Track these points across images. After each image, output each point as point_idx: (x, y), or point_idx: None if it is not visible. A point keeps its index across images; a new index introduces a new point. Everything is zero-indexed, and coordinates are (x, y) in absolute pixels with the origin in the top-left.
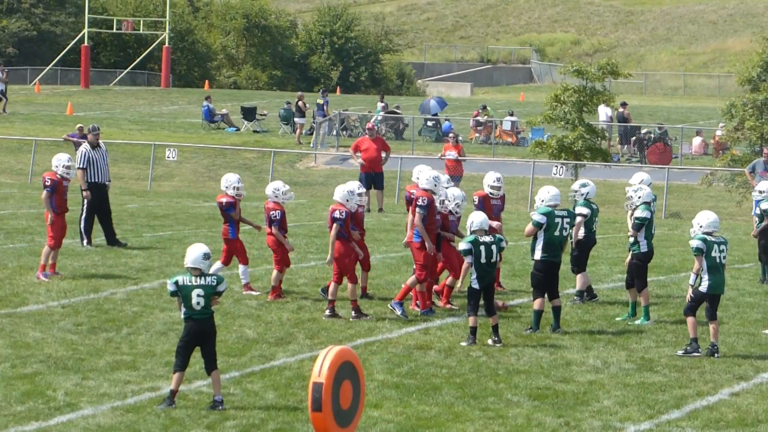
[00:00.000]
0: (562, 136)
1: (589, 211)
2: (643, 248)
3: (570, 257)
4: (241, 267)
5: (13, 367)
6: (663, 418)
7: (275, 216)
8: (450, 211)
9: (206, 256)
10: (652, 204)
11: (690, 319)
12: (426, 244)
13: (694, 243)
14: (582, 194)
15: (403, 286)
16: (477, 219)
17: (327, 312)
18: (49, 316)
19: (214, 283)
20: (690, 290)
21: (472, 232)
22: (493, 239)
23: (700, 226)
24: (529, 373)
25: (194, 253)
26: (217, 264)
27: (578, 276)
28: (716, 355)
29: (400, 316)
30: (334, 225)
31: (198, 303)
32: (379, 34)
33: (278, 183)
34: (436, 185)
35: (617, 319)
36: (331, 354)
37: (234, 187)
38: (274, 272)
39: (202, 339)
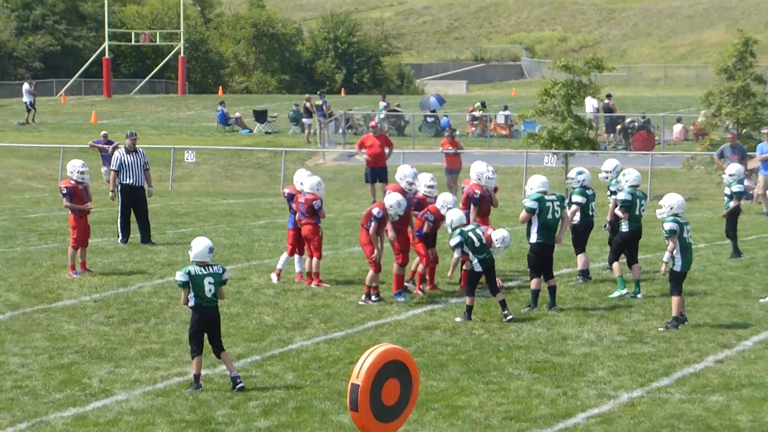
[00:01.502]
0: (552, 127)
1: (584, 199)
2: (624, 228)
3: (571, 240)
4: (296, 256)
5: (50, 358)
6: (653, 385)
7: (317, 205)
8: (425, 195)
9: (211, 250)
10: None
11: (676, 298)
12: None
13: (668, 225)
14: (579, 181)
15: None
16: (455, 216)
17: (363, 298)
18: (82, 310)
19: (221, 272)
20: (664, 266)
21: (453, 229)
22: (474, 225)
23: (671, 208)
24: (528, 348)
25: (200, 246)
26: (293, 257)
27: (579, 256)
28: (686, 323)
29: (404, 302)
30: (373, 224)
31: (210, 290)
32: (379, 38)
33: (318, 177)
34: (401, 179)
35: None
36: (372, 356)
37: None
38: (314, 260)
39: (210, 325)
